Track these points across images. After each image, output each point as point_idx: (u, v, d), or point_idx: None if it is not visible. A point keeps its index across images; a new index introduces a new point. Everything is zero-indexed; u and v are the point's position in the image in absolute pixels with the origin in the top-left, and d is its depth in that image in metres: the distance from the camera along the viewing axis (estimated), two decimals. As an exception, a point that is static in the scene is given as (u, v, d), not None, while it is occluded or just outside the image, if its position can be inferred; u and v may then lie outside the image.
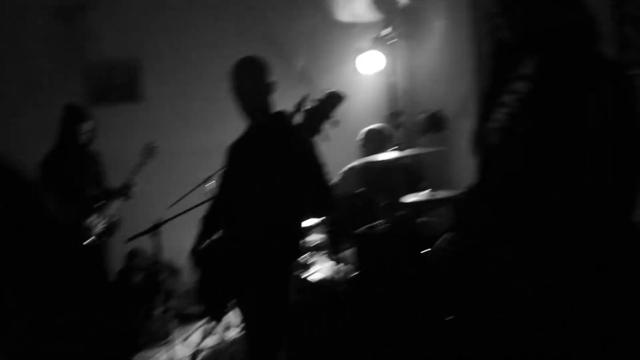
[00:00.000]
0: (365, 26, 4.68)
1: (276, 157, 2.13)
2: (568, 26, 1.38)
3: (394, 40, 4.42)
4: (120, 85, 4.50)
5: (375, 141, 3.79)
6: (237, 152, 2.46)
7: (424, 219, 3.37)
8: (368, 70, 4.58)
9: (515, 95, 1.38)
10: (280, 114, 2.30)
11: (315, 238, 3.67)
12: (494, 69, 1.55)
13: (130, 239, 3.29)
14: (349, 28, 4.73)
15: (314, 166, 2.23)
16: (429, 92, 4.54)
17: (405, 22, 4.71)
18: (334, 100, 2.05)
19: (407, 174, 3.71)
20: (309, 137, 2.06)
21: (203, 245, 2.39)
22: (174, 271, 4.31)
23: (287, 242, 2.31)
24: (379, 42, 4.44)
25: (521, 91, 1.37)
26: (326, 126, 2.07)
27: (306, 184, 2.20)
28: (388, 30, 4.44)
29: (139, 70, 4.53)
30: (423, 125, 4.30)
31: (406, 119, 4.55)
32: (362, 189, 3.60)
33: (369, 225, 3.32)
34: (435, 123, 4.30)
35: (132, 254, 4.07)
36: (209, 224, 2.51)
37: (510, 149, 1.40)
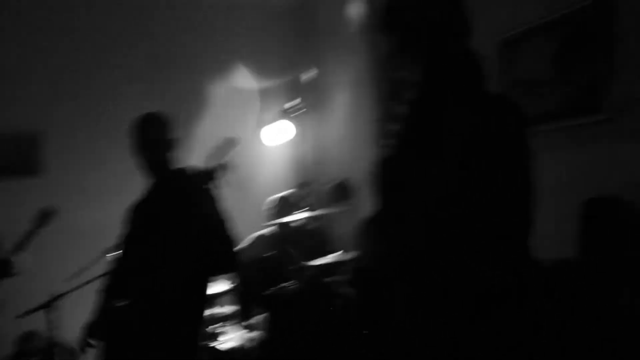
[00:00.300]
0: (273, 97, 4.85)
1: (177, 215, 2.12)
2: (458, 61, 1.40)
3: (300, 112, 4.61)
4: (19, 159, 4.30)
5: (283, 208, 3.85)
6: (138, 213, 2.42)
7: (333, 279, 3.41)
8: (276, 141, 4.70)
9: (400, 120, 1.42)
10: (182, 170, 2.31)
11: (225, 308, 3.59)
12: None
13: (21, 316, 3.04)
14: (257, 99, 4.88)
15: (216, 222, 2.22)
16: (337, 162, 4.72)
17: (312, 95, 4.95)
18: (228, 145, 2.09)
19: (315, 237, 3.79)
20: (206, 184, 2.08)
21: (105, 316, 2.27)
22: (72, 353, 3.98)
23: (192, 302, 2.25)
24: (286, 113, 4.62)
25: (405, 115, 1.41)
26: (222, 172, 2.10)
27: (209, 240, 2.18)
28: (294, 102, 4.64)
29: (40, 143, 4.36)
30: (331, 195, 4.45)
31: (314, 188, 4.68)
32: (271, 253, 3.61)
33: (278, 287, 3.31)
34: (342, 192, 4.46)
35: (25, 337, 3.73)
36: (109, 293, 2.40)
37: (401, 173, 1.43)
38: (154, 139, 2.32)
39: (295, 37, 5.20)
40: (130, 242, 2.44)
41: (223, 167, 2.09)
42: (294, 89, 4.78)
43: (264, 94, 4.87)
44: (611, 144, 2.65)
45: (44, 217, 3.26)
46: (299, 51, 5.15)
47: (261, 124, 4.73)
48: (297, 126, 4.68)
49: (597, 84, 2.68)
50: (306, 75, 4.91)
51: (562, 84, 2.85)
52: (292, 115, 4.65)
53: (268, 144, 4.75)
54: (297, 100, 4.65)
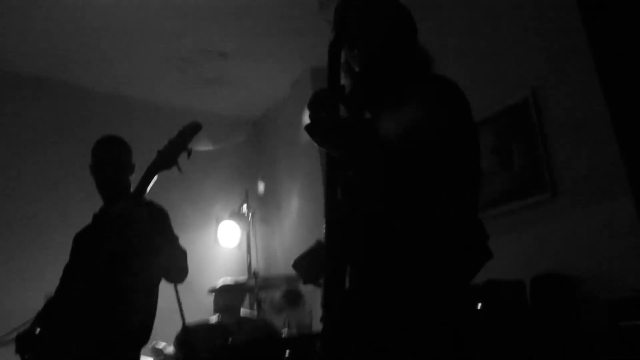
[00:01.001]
0: (226, 199, 4.89)
1: (122, 239, 2.04)
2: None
3: (251, 216, 4.63)
4: None
5: (229, 293, 3.72)
6: (79, 241, 2.42)
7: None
8: (226, 242, 4.66)
9: None
10: (138, 194, 2.22)
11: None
12: None
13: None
14: (210, 199, 4.90)
15: (168, 237, 2.26)
16: (285, 269, 4.65)
17: (263, 204, 5.02)
18: (191, 130, 2.11)
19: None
20: (168, 167, 2.03)
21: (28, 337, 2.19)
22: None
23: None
24: (238, 216, 4.62)
25: None
26: (182, 157, 2.07)
27: (158, 253, 2.13)
28: (245, 207, 4.68)
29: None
30: (279, 303, 4.31)
31: (263, 296, 4.54)
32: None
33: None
34: (291, 300, 4.34)
35: None
36: (38, 318, 2.32)
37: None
38: (109, 160, 2.34)
39: (252, 148, 5.41)
40: (68, 270, 2.39)
41: (187, 152, 2.06)
42: (247, 196, 4.84)
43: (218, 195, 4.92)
44: (557, 220, 2.77)
45: None
46: (253, 161, 5.33)
47: (216, 222, 4.71)
48: (247, 230, 4.66)
49: (536, 168, 2.86)
50: (259, 184, 5.03)
51: (504, 171, 3.03)
52: (243, 219, 4.65)
53: (222, 244, 4.72)
54: (248, 206, 4.69)
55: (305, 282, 1.71)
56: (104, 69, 4.64)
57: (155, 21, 4.15)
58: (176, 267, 2.22)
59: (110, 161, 2.33)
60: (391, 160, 1.32)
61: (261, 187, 5.26)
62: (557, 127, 2.87)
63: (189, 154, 2.06)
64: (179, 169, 2.06)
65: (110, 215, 2.10)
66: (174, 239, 2.31)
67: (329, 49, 1.45)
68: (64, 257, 2.48)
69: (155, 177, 2.07)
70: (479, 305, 1.95)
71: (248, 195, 4.77)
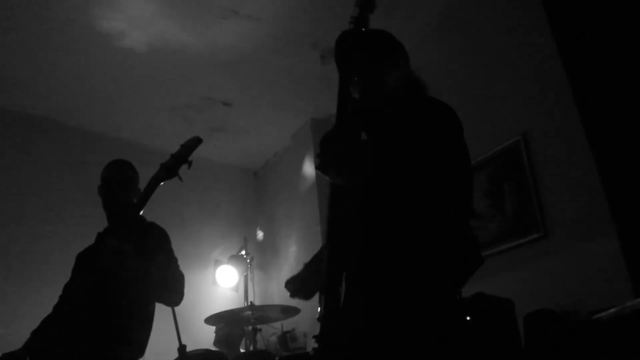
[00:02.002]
0: (225, 244, 4.95)
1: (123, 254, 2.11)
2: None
3: (249, 261, 4.69)
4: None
5: (227, 327, 3.74)
6: (82, 259, 2.51)
7: None
8: (224, 283, 4.70)
9: None
10: (140, 203, 2.28)
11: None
12: None
13: None
14: (210, 243, 4.96)
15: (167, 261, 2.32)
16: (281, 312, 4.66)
17: (261, 251, 5.09)
18: (193, 144, 2.23)
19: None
20: (170, 177, 2.11)
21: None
22: None
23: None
24: (236, 259, 4.68)
25: None
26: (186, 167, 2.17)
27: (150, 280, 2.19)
28: (244, 252, 4.74)
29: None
30: (276, 345, 4.32)
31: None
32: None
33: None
34: (285, 343, 4.34)
35: None
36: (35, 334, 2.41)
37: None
38: (116, 180, 2.44)
39: (252, 196, 5.53)
40: (67, 287, 2.45)
41: (187, 163, 2.15)
42: (246, 242, 4.91)
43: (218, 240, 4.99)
44: (549, 259, 2.84)
45: None
46: (253, 209, 5.44)
47: (214, 266, 4.76)
48: (245, 273, 4.70)
49: (527, 208, 2.96)
50: (258, 232, 5.13)
51: (497, 213, 3.13)
52: (242, 263, 4.71)
53: (220, 284, 4.77)
54: (247, 253, 4.76)
55: (292, 296, 1.79)
56: (109, 113, 4.83)
57: (161, 69, 4.36)
58: (170, 290, 2.28)
59: (117, 182, 2.45)
60: (389, 172, 1.43)
61: (260, 234, 5.36)
62: (547, 169, 3.01)
63: (189, 165, 2.17)
64: (180, 179, 2.16)
65: (102, 251, 2.18)
66: (173, 261, 2.37)
67: (340, 82, 1.59)
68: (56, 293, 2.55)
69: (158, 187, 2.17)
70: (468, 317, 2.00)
71: (247, 241, 4.85)
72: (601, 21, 2.73)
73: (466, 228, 1.49)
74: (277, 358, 3.43)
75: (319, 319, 1.56)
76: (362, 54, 1.66)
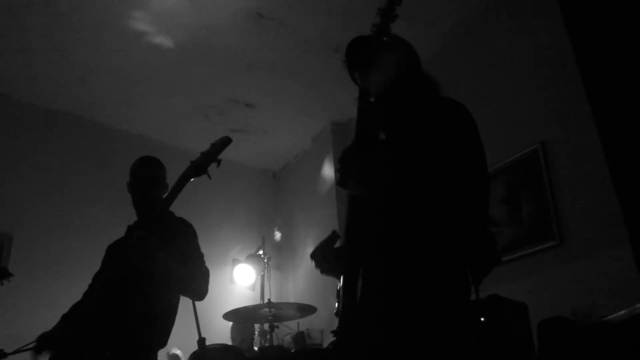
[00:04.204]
0: (243, 243, 5.03)
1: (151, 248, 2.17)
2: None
3: (267, 260, 4.75)
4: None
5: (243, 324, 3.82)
6: (113, 250, 2.57)
7: None
8: (241, 281, 4.78)
9: None
10: (169, 199, 2.33)
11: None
12: None
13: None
14: (228, 242, 5.04)
15: (193, 256, 2.38)
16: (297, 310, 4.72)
17: (278, 251, 5.15)
18: (222, 143, 2.28)
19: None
20: (199, 174, 2.17)
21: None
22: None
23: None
24: (254, 258, 4.75)
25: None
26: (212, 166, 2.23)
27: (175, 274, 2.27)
28: (262, 252, 4.81)
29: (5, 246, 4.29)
30: (290, 344, 4.37)
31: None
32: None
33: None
34: (302, 340, 4.39)
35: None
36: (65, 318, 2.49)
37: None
38: (146, 177, 2.50)
39: (271, 197, 5.60)
40: (96, 278, 2.52)
41: (216, 162, 2.21)
42: (263, 242, 4.97)
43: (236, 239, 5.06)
44: (564, 266, 2.86)
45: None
46: (271, 209, 5.50)
47: (232, 264, 4.84)
48: (262, 273, 4.77)
49: (544, 216, 2.99)
50: (276, 232, 5.19)
51: (514, 220, 3.16)
52: (259, 262, 4.77)
53: (236, 282, 4.86)
54: (264, 252, 4.82)
55: (322, 272, 1.83)
56: (133, 111, 4.94)
57: (186, 69, 4.46)
58: (194, 284, 2.34)
59: (146, 178, 2.50)
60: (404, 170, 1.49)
61: (277, 235, 5.43)
62: (564, 178, 3.03)
63: (218, 164, 2.23)
64: (209, 177, 2.23)
65: (129, 242, 2.25)
66: (199, 256, 2.44)
67: (359, 97, 1.67)
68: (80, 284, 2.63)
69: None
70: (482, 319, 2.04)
71: (264, 241, 4.91)
72: (621, 31, 2.75)
73: (483, 229, 1.54)
74: (293, 350, 3.48)
75: (336, 314, 1.62)
76: (379, 61, 1.72)
